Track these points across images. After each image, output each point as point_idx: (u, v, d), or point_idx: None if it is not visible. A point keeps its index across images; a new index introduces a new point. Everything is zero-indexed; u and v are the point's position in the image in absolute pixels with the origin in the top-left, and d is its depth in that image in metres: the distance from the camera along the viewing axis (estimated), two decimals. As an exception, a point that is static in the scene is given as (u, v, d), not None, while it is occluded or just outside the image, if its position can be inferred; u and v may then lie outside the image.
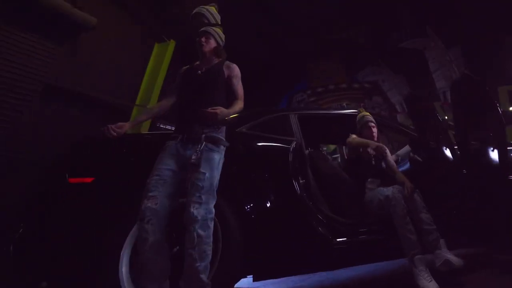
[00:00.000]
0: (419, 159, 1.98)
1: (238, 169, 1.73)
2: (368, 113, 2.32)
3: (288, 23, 6.31)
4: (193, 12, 1.71)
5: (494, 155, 1.74)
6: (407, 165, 2.20)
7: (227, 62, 1.63)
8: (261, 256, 1.62)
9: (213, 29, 1.62)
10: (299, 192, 1.78)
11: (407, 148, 2.30)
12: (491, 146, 1.75)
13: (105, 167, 1.65)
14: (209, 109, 1.37)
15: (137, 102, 4.24)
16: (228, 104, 1.52)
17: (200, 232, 1.27)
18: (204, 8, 1.70)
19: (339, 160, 4.01)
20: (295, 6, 5.81)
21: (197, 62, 1.64)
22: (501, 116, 1.78)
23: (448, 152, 1.91)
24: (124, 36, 4.14)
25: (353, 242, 1.79)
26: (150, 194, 1.34)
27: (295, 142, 1.85)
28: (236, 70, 1.60)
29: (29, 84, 3.19)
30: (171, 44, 4.65)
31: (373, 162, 2.12)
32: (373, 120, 2.24)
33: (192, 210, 1.28)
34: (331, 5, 5.74)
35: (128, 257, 1.45)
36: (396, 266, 2.25)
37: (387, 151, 2.06)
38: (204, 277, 1.24)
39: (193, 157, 1.39)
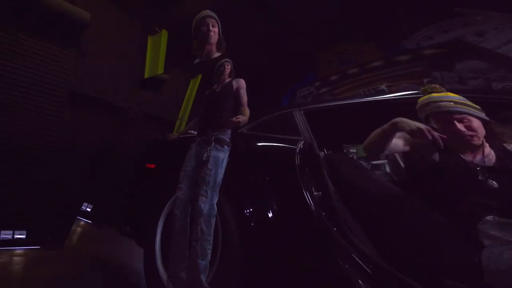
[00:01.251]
0: None
1: (238, 171, 1.77)
2: (443, 93, 1.33)
3: (288, 23, 6.29)
4: (202, 15, 1.97)
5: None
6: None
7: (236, 78, 2.01)
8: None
9: (229, 59, 2.00)
10: (313, 207, 1.28)
11: None
12: None
13: (159, 158, 2.53)
14: (234, 119, 1.71)
15: (179, 117, 6.58)
16: (235, 110, 1.89)
17: (203, 227, 1.40)
18: (211, 12, 1.99)
19: (389, 169, 2.16)
20: (295, 6, 5.80)
21: (215, 85, 1.99)
22: None
23: None
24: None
25: None
26: (179, 185, 1.74)
27: (302, 142, 1.55)
28: (242, 83, 2.00)
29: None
30: (199, 77, 6.26)
31: (487, 179, 1.04)
32: (458, 101, 1.26)
33: (200, 203, 1.51)
34: (331, 5, 5.72)
35: (163, 221, 1.97)
36: None
37: None
38: (203, 277, 1.34)
39: (205, 155, 1.72)
